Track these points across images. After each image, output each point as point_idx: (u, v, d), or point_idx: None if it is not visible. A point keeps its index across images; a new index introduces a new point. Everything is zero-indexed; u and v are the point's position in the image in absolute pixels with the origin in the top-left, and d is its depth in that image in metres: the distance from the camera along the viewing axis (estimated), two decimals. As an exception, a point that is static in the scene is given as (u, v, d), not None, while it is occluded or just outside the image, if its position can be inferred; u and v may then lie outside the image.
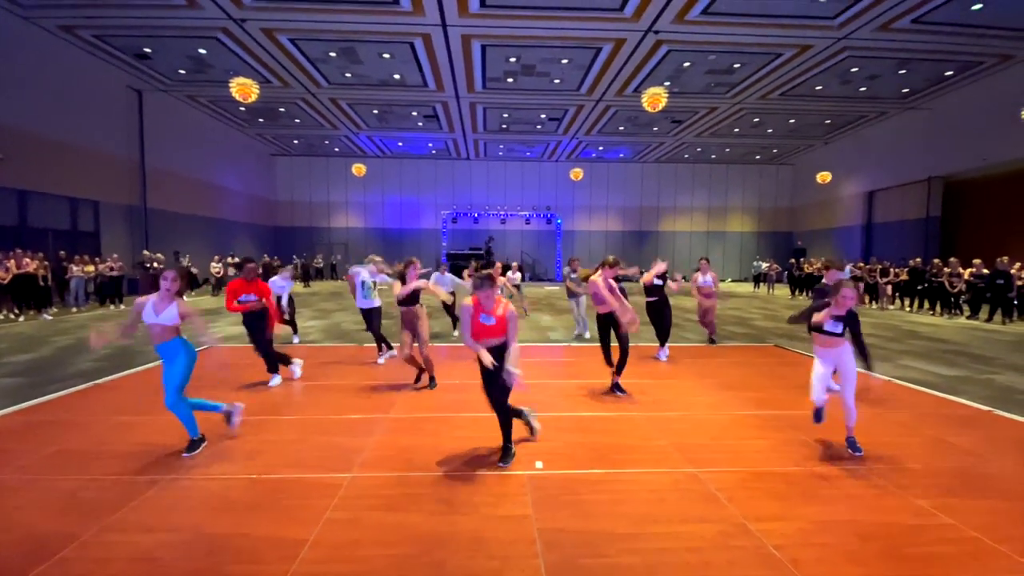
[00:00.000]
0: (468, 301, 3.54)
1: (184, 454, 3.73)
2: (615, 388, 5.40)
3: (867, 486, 3.30)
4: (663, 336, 7.34)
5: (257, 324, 5.56)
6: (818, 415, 3.95)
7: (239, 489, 3.22)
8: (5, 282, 10.89)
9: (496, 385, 3.53)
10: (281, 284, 8.23)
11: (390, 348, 7.00)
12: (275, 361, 5.73)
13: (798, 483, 3.34)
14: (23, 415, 4.69)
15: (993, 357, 7.86)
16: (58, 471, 3.46)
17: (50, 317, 11.46)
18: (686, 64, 15.63)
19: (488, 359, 3.41)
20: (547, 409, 4.91)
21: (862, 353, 3.73)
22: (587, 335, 8.97)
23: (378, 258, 6.91)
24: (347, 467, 3.54)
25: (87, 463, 3.60)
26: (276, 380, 5.73)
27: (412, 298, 5.54)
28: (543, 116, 21.11)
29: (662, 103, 14.26)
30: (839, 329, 3.73)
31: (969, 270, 12.74)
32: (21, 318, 11.24)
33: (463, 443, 3.95)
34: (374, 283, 6.64)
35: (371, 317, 6.76)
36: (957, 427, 4.50)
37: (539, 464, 3.60)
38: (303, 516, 2.87)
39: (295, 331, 8.74)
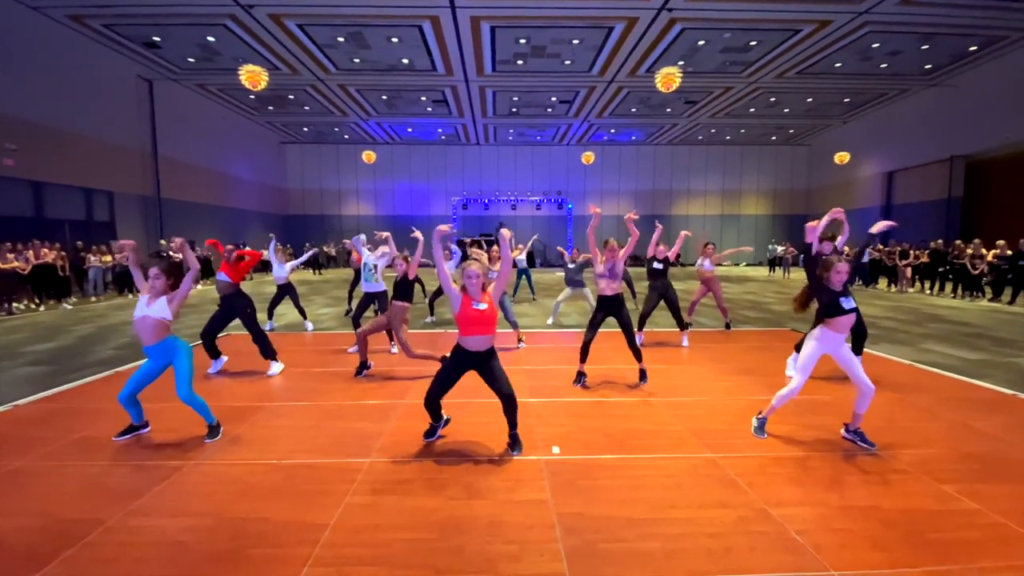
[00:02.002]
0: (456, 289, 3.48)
1: (206, 440, 3.78)
2: (580, 378, 5.23)
3: (889, 471, 3.25)
4: (679, 321, 7.21)
5: (244, 311, 5.63)
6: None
7: (259, 474, 3.26)
8: (25, 273, 11.08)
9: (495, 380, 3.46)
10: (279, 267, 8.42)
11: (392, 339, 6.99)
12: (270, 347, 5.72)
13: (818, 468, 3.29)
14: (46, 403, 4.78)
15: (1016, 340, 7.69)
16: (82, 457, 3.53)
17: (70, 307, 11.67)
18: (701, 42, 15.26)
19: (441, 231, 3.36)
20: (561, 395, 4.91)
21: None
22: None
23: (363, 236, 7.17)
24: (365, 452, 3.56)
25: (110, 450, 3.66)
26: (275, 368, 5.71)
27: (406, 294, 5.51)
28: (554, 99, 20.82)
29: (676, 83, 13.95)
30: (854, 304, 3.60)
31: (993, 252, 12.42)
32: (42, 308, 11.46)
33: (479, 428, 3.95)
34: (375, 266, 6.60)
35: (381, 301, 6.76)
36: (981, 411, 4.40)
37: (556, 449, 3.60)
38: (323, 501, 2.89)
39: (304, 317, 8.79)
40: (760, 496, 2.92)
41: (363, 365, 5.60)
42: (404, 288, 5.57)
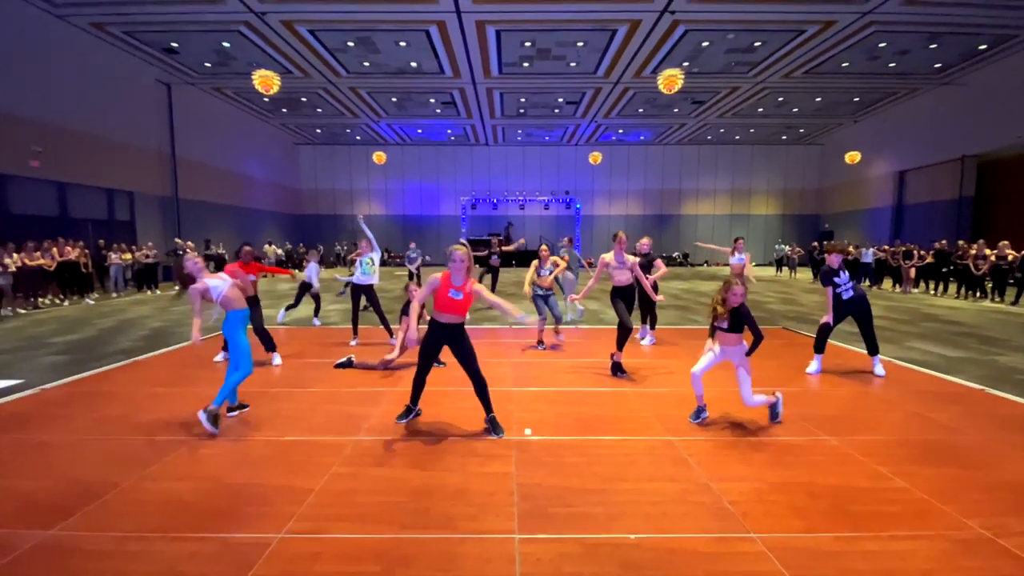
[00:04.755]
0: (437, 275, 3.73)
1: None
2: (618, 369, 5.54)
3: (832, 454, 3.50)
4: (652, 320, 7.35)
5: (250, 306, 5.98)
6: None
7: (257, 448, 3.62)
8: (51, 269, 11.68)
9: (464, 358, 3.79)
10: (313, 270, 8.76)
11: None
12: (271, 340, 6.08)
13: (768, 451, 3.56)
14: (69, 387, 5.21)
15: (1004, 339, 7.79)
16: (101, 433, 3.93)
17: (92, 302, 12.25)
18: (705, 44, 15.40)
19: (412, 340, 3.65)
20: (542, 384, 5.21)
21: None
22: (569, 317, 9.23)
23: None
24: (354, 431, 3.91)
25: (126, 427, 4.05)
26: (277, 359, 6.05)
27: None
28: (561, 100, 21.08)
29: (678, 85, 14.11)
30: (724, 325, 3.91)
31: (993, 251, 12.40)
32: (66, 303, 12.06)
33: (464, 413, 4.26)
34: (371, 259, 6.97)
35: (369, 294, 7.11)
36: (941, 404, 4.60)
37: (528, 431, 3.91)
38: (311, 471, 3.24)
39: (317, 313, 9.17)
40: (705, 473, 3.20)
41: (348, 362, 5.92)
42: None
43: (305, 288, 8.84)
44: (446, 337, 3.82)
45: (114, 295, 13.63)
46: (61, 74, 13.60)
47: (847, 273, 5.64)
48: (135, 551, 2.43)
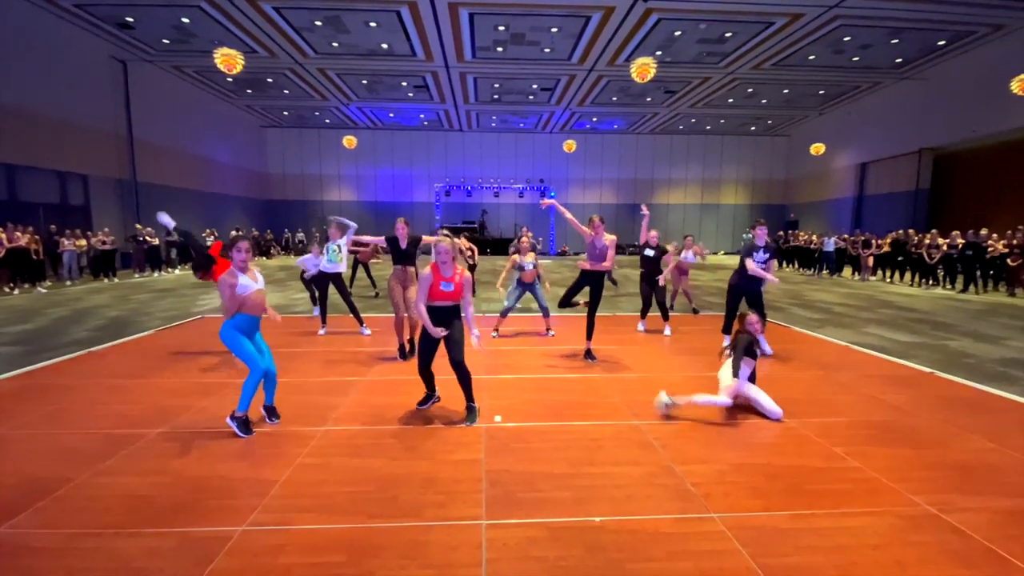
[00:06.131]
0: (427, 269, 3.74)
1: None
2: (588, 355, 5.64)
3: (790, 436, 3.63)
4: (664, 311, 7.24)
5: None
6: None
7: (221, 440, 3.53)
8: (0, 256, 11.07)
9: (451, 344, 3.76)
10: (314, 262, 8.12)
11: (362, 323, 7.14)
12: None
13: (729, 434, 3.67)
14: (21, 379, 4.98)
15: (955, 325, 8.18)
16: (55, 426, 3.77)
17: (44, 291, 11.69)
18: (677, 33, 15.48)
19: (438, 332, 3.66)
20: (513, 371, 5.23)
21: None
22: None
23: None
24: (321, 421, 3.86)
25: (82, 420, 3.90)
26: None
27: (408, 256, 5.84)
28: (535, 86, 20.92)
29: (651, 73, 14.15)
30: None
31: (945, 241, 12.98)
32: (16, 291, 11.47)
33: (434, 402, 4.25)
34: (338, 246, 6.84)
35: (337, 282, 6.98)
36: (895, 387, 4.81)
37: (497, 418, 3.92)
38: (277, 462, 3.19)
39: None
40: (669, 456, 3.28)
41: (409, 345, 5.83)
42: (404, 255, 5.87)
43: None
44: (440, 321, 3.79)
45: (68, 283, 13.03)
46: (7, 50, 12.76)
47: (767, 253, 5.74)
48: (88, 548, 2.35)
